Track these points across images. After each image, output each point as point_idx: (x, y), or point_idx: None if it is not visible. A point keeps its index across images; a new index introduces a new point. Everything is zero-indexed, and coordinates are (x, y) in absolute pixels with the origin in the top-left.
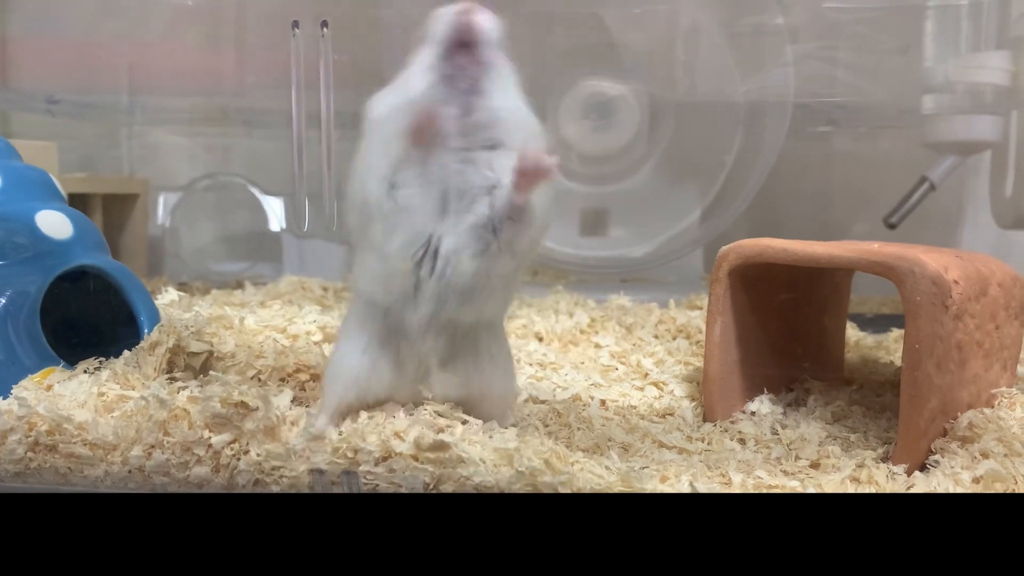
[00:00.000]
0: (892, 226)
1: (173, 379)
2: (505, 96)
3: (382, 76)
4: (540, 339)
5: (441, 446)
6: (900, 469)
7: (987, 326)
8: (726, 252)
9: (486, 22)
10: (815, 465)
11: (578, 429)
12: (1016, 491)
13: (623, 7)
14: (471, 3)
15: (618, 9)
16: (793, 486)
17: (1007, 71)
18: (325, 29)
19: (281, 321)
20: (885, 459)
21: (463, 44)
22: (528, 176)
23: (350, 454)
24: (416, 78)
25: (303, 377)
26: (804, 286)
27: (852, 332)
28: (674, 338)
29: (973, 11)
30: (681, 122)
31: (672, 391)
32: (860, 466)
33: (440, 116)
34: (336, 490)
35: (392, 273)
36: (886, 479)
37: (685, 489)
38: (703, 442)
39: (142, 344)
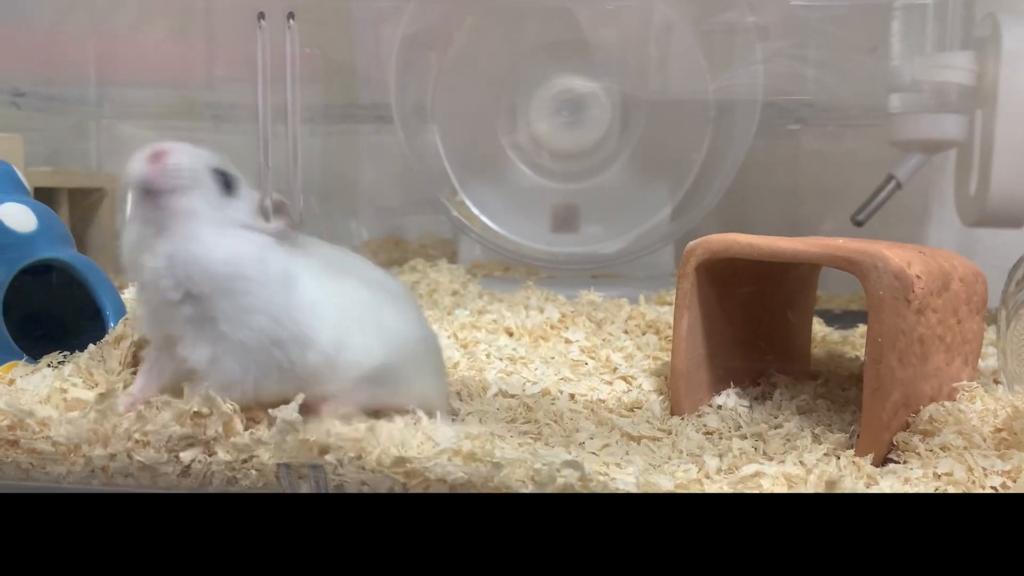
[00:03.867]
0: (859, 223)
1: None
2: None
3: (352, 69)
4: (510, 334)
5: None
6: (866, 461)
7: (949, 320)
8: (693, 247)
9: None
10: (781, 459)
11: (547, 424)
12: (974, 484)
13: (595, 4)
14: (162, 149)
15: (590, 5)
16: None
17: (971, 71)
18: (291, 21)
19: None
20: (849, 447)
21: (150, 191)
22: None
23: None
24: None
25: None
26: (770, 281)
27: (819, 327)
28: (643, 333)
29: (939, 11)
30: (652, 119)
31: (641, 385)
32: (824, 457)
33: None
34: (304, 485)
35: None
36: (848, 470)
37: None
38: (669, 435)
39: (106, 338)
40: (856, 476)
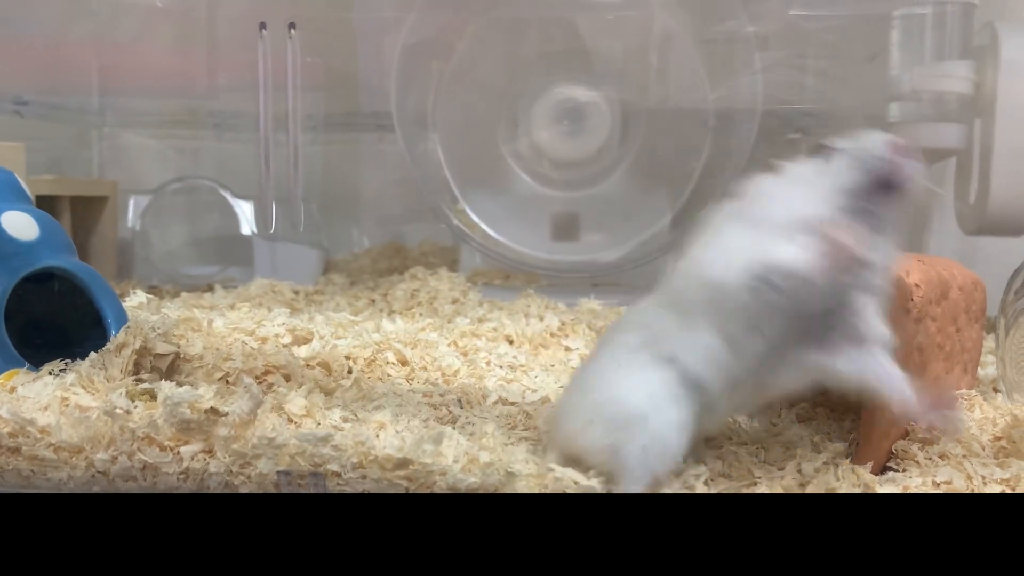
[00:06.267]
0: None
1: (140, 380)
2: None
3: (354, 78)
4: (510, 342)
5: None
6: (865, 470)
7: (948, 329)
8: None
9: (918, 169)
10: (780, 467)
11: (547, 431)
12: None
13: (596, 13)
14: (908, 143)
15: (591, 15)
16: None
17: (970, 80)
18: (292, 31)
19: (250, 323)
20: (848, 456)
21: (888, 186)
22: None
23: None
24: (817, 193)
25: (271, 379)
26: None
27: None
28: None
29: (937, 20)
30: (652, 128)
31: None
32: (824, 465)
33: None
34: (303, 492)
35: (735, 366)
36: (846, 478)
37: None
38: None
39: (108, 346)
40: (855, 485)
